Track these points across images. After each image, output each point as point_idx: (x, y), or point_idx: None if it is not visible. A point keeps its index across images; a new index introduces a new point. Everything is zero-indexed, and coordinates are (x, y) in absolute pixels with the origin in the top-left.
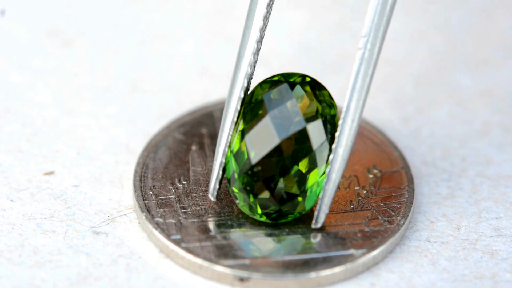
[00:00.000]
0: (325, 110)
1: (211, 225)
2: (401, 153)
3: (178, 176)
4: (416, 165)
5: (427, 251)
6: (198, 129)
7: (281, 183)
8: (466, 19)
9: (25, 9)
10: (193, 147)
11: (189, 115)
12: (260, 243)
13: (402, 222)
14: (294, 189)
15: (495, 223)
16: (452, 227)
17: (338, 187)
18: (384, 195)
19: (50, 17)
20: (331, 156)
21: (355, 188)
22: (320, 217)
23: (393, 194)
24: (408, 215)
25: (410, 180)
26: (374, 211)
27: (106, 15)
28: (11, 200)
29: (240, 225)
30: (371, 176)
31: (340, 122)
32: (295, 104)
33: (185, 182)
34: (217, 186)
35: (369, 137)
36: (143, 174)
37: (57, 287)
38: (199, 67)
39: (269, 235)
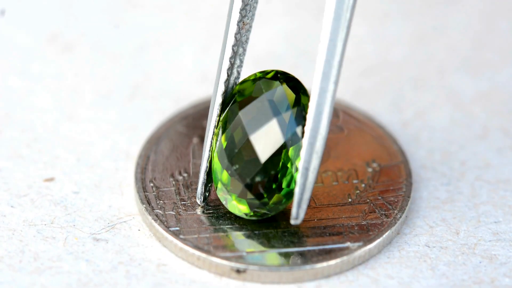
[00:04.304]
0: (301, 100)
1: (209, 217)
2: (400, 147)
3: (179, 169)
4: (415, 169)
5: (426, 256)
6: (200, 122)
7: (258, 178)
8: (465, 22)
9: (25, 14)
10: (195, 140)
11: (191, 108)
12: (257, 235)
13: (399, 216)
14: (273, 185)
15: (494, 227)
16: (451, 232)
17: (335, 182)
18: (382, 189)
19: (50, 22)
20: (302, 150)
21: (354, 181)
22: (299, 213)
23: (391, 188)
24: (405, 209)
25: (409, 174)
26: (372, 204)
27: (106, 21)
28: (12, 206)
29: (237, 218)
30: (370, 170)
31: (308, 116)
32: (272, 96)
33: (185, 175)
34: (203, 191)
35: (368, 131)
36: (144, 166)
37: None
38: (199, 73)
39: (267, 227)
